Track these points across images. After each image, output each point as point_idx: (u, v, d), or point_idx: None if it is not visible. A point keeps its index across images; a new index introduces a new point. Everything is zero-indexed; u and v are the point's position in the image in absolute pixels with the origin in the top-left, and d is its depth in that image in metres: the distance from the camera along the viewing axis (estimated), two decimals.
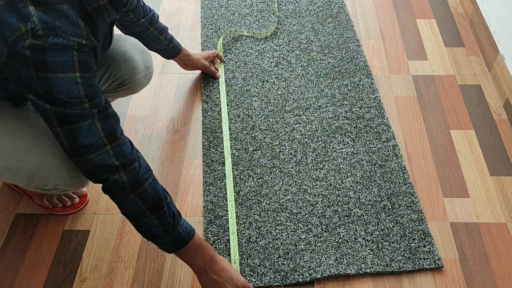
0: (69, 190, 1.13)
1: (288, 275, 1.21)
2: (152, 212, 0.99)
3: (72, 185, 1.09)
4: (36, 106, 0.89)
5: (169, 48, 1.53)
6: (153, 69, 1.38)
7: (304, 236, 1.28)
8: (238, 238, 1.29)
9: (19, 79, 0.87)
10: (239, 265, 1.23)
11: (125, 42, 1.27)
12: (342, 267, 1.22)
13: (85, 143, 0.91)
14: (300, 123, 1.56)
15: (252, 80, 1.70)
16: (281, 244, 1.27)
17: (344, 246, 1.26)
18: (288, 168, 1.44)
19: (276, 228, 1.30)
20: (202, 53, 1.69)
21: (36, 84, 0.85)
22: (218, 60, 1.75)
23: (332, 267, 1.22)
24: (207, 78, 1.71)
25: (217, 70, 1.72)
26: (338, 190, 1.38)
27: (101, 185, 0.99)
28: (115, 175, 0.95)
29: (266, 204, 1.36)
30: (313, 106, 1.60)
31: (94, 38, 0.93)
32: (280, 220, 1.32)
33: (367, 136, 1.51)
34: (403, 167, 1.43)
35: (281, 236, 1.29)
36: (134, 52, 1.28)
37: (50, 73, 0.84)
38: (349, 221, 1.31)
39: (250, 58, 1.78)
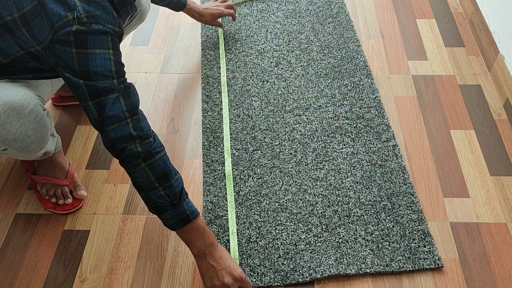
0: (19, 147, 1.12)
1: (288, 275, 1.21)
2: (160, 183, 1.06)
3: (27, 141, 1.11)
4: (71, 83, 1.01)
5: (173, 4, 1.62)
6: None
7: (304, 236, 1.28)
8: (238, 238, 1.29)
9: (58, 60, 1.01)
10: (239, 265, 1.23)
11: None
12: (342, 267, 1.22)
13: (109, 114, 1.02)
14: (300, 123, 1.56)
15: (252, 80, 1.70)
16: (281, 244, 1.27)
17: (344, 246, 1.26)
18: (288, 168, 1.44)
19: (276, 228, 1.30)
20: (212, 9, 1.74)
21: (75, 62, 0.99)
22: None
23: (332, 267, 1.22)
24: (207, 78, 1.71)
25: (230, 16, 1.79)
26: (338, 190, 1.38)
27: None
28: (132, 144, 1.04)
29: (266, 204, 1.36)
30: (313, 106, 1.60)
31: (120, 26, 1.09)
32: (280, 220, 1.32)
33: (367, 136, 1.51)
34: (403, 167, 1.43)
35: (281, 236, 1.29)
36: None
37: (90, 49, 0.99)
38: (349, 221, 1.31)
39: (250, 58, 1.78)
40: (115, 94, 1.03)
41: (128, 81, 1.07)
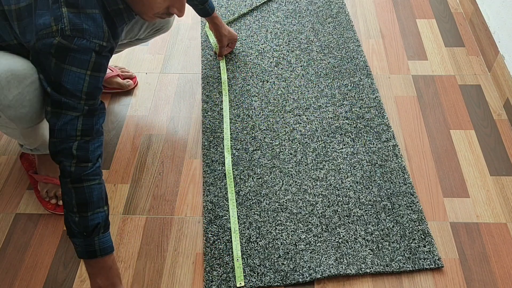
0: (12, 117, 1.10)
1: (288, 275, 1.21)
2: (78, 210, 1.03)
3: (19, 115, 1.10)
4: (42, 85, 1.03)
5: (199, 7, 1.61)
6: None
7: (304, 236, 1.28)
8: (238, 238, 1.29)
9: (39, 62, 1.01)
10: (242, 264, 1.23)
11: None
12: (342, 267, 1.22)
13: (60, 128, 1.01)
14: (300, 123, 1.56)
15: (252, 80, 1.70)
16: (281, 244, 1.27)
17: (344, 246, 1.26)
18: (288, 168, 1.44)
19: (276, 228, 1.30)
20: (230, 32, 1.74)
21: (51, 70, 0.98)
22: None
23: (332, 267, 1.22)
24: (207, 78, 1.71)
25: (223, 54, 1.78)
26: (338, 190, 1.38)
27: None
28: (67, 161, 1.02)
29: (266, 204, 1.36)
30: (313, 106, 1.60)
31: (114, 38, 1.07)
32: (280, 220, 1.32)
33: (367, 136, 1.51)
34: (403, 167, 1.43)
35: (281, 236, 1.29)
36: None
37: (67, 65, 0.98)
38: (349, 221, 1.31)
39: (250, 58, 1.78)
40: (76, 113, 1.01)
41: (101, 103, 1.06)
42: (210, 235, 1.29)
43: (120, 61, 1.79)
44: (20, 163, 1.46)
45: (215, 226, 1.31)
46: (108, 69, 1.66)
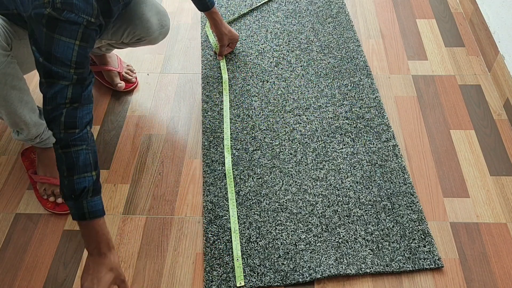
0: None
1: (288, 275, 1.21)
2: (67, 174, 1.08)
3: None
4: (34, 57, 1.06)
5: (197, 1, 1.61)
6: (168, 26, 1.52)
7: (304, 236, 1.28)
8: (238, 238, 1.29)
9: (32, 32, 1.05)
10: (241, 265, 1.23)
11: (143, 4, 1.43)
12: (342, 267, 1.22)
13: (51, 96, 1.06)
14: (300, 123, 1.56)
15: (252, 80, 1.70)
16: (281, 244, 1.27)
17: (344, 246, 1.26)
18: (288, 168, 1.44)
19: (276, 228, 1.30)
20: (231, 32, 1.73)
21: (43, 41, 1.03)
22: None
23: (332, 267, 1.22)
24: (207, 78, 1.71)
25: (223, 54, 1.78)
26: (338, 190, 1.38)
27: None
28: (56, 129, 1.07)
29: (266, 204, 1.36)
30: (313, 106, 1.60)
31: (107, 17, 1.13)
32: (280, 220, 1.32)
33: (367, 136, 1.51)
34: (403, 167, 1.43)
35: (281, 236, 1.29)
36: (150, 14, 1.43)
37: (57, 34, 1.02)
38: (349, 221, 1.31)
39: (250, 58, 1.78)
40: (66, 82, 1.05)
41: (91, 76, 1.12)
42: (210, 235, 1.29)
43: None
44: (21, 161, 1.46)
45: (215, 226, 1.31)
46: (116, 62, 1.68)
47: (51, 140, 1.35)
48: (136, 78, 1.71)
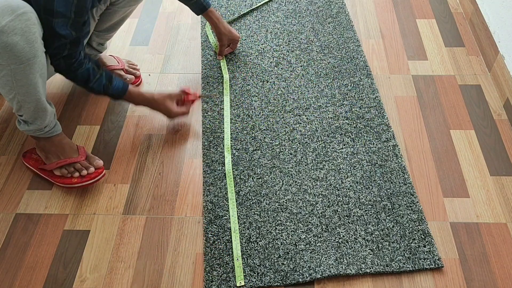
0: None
1: (288, 275, 1.21)
2: (85, 86, 1.39)
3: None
4: (38, 15, 1.19)
5: (192, 4, 1.65)
6: None
7: (304, 236, 1.28)
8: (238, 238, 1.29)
9: None
10: (241, 265, 1.23)
11: None
12: (342, 267, 1.22)
13: (54, 50, 1.27)
14: (300, 123, 1.56)
15: (252, 80, 1.70)
16: (281, 244, 1.27)
17: (344, 246, 1.26)
18: (288, 168, 1.44)
19: (276, 228, 1.30)
20: (230, 32, 1.74)
21: (43, 0, 1.17)
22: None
23: (332, 267, 1.22)
24: (207, 78, 1.71)
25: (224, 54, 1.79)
26: (338, 190, 1.38)
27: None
28: (57, 61, 1.30)
29: (266, 204, 1.36)
30: (313, 106, 1.60)
31: None
32: (280, 220, 1.32)
33: (367, 136, 1.51)
34: (403, 167, 1.43)
35: (281, 236, 1.29)
36: None
37: None
38: (349, 221, 1.31)
39: (250, 58, 1.78)
40: (65, 40, 1.23)
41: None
42: (210, 235, 1.29)
43: None
44: (23, 163, 1.46)
45: (215, 226, 1.31)
46: (115, 60, 1.70)
47: (57, 128, 1.38)
48: (139, 71, 1.73)
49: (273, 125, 1.56)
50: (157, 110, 1.52)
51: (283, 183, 1.40)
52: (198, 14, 1.68)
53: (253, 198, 1.37)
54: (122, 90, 1.42)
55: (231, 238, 1.29)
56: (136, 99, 1.48)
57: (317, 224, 1.31)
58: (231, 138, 1.52)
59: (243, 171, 1.43)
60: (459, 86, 1.68)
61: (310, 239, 1.28)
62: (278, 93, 1.65)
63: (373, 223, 1.30)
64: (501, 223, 1.31)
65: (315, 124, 1.55)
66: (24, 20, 1.13)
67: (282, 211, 1.34)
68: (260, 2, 2.00)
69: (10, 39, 1.13)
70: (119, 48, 1.85)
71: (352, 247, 1.26)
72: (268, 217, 1.33)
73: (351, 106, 1.60)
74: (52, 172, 1.40)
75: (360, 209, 1.34)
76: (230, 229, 1.30)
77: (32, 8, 1.16)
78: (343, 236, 1.28)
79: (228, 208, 1.35)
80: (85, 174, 1.38)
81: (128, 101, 1.48)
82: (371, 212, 1.33)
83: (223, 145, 1.50)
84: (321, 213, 1.33)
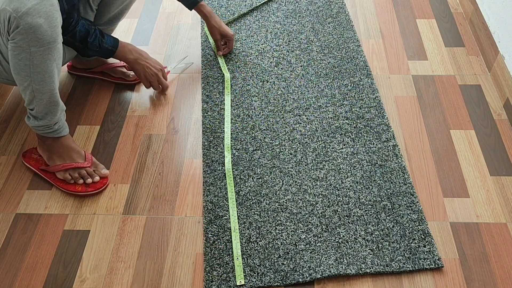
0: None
1: (288, 275, 1.21)
2: (83, 44, 1.44)
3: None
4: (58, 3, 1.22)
5: None
6: None
7: (304, 236, 1.28)
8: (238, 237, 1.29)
9: None
10: (241, 264, 1.23)
11: None
12: (342, 267, 1.22)
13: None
14: (300, 123, 1.56)
15: (252, 80, 1.70)
16: (281, 244, 1.27)
17: (344, 246, 1.26)
18: (288, 168, 1.44)
19: (276, 228, 1.30)
20: (221, 26, 1.74)
21: None
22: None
23: (332, 267, 1.22)
24: (207, 78, 1.71)
25: (223, 50, 1.79)
26: (338, 190, 1.38)
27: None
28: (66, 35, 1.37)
29: (266, 204, 1.36)
30: (313, 106, 1.60)
31: None
32: (280, 220, 1.32)
33: (367, 136, 1.51)
34: (403, 167, 1.43)
35: (281, 236, 1.29)
36: None
37: None
38: (349, 221, 1.31)
39: (250, 58, 1.78)
40: None
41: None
42: (210, 235, 1.29)
43: None
44: (23, 163, 1.46)
45: (215, 226, 1.31)
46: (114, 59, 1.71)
47: (66, 128, 1.38)
48: None
49: (273, 125, 1.56)
50: (140, 68, 1.58)
51: (283, 183, 1.40)
52: (190, 9, 1.70)
53: (253, 198, 1.37)
54: (114, 41, 1.51)
55: (231, 238, 1.29)
56: (127, 50, 1.55)
57: (317, 224, 1.31)
58: (231, 138, 1.52)
59: (243, 171, 1.43)
60: (459, 86, 1.68)
61: (310, 239, 1.28)
62: (278, 93, 1.65)
63: (373, 223, 1.30)
64: (501, 223, 1.31)
65: (315, 124, 1.55)
66: (48, 5, 1.18)
67: (282, 211, 1.34)
68: (260, 2, 2.00)
69: (34, 21, 1.16)
70: None
71: (352, 247, 1.26)
72: (268, 217, 1.33)
73: (351, 106, 1.60)
74: (54, 174, 1.40)
75: (360, 209, 1.34)
76: (230, 229, 1.30)
77: None
78: (343, 236, 1.28)
79: (228, 208, 1.35)
80: (90, 182, 1.38)
81: (118, 57, 1.55)
82: (371, 212, 1.33)
83: (223, 145, 1.50)
84: (321, 213, 1.33)
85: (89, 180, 1.38)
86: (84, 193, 1.37)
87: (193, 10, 1.71)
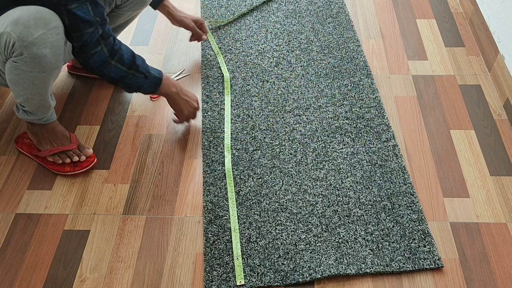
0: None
1: (288, 275, 1.21)
2: (130, 67, 1.32)
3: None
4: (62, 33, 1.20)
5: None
6: None
7: (304, 236, 1.28)
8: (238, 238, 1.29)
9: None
10: (241, 264, 1.23)
11: None
12: (342, 267, 1.22)
13: (83, 19, 1.21)
14: (300, 123, 1.56)
15: (252, 80, 1.70)
16: (281, 244, 1.27)
17: (344, 246, 1.26)
18: (288, 168, 1.44)
19: (276, 228, 1.30)
20: (189, 14, 1.74)
21: (65, 16, 1.18)
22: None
23: (332, 267, 1.22)
24: (207, 78, 1.71)
25: (204, 34, 1.77)
26: (338, 190, 1.38)
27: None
28: (99, 48, 1.27)
29: (266, 204, 1.36)
30: (313, 106, 1.60)
31: None
32: (280, 220, 1.32)
33: (367, 136, 1.51)
34: (403, 167, 1.43)
35: (281, 236, 1.29)
36: None
37: (70, 6, 1.17)
38: (349, 221, 1.31)
39: (250, 58, 1.78)
40: (92, 28, 1.23)
41: None
42: (210, 235, 1.29)
43: None
44: (17, 149, 1.49)
45: (215, 226, 1.31)
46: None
47: (53, 116, 1.41)
48: None
49: (273, 125, 1.56)
50: (183, 104, 1.48)
51: (283, 183, 1.40)
52: (154, 8, 1.68)
53: (253, 198, 1.37)
54: (159, 71, 1.41)
55: (231, 238, 1.29)
56: (170, 82, 1.44)
57: (317, 224, 1.31)
58: (231, 138, 1.52)
59: (243, 171, 1.43)
60: (459, 86, 1.68)
61: (310, 239, 1.28)
62: (278, 93, 1.65)
63: (373, 223, 1.30)
64: (501, 223, 1.31)
65: (315, 124, 1.55)
66: (55, 34, 1.19)
67: (282, 211, 1.34)
68: (260, 2, 2.00)
69: (40, 51, 1.17)
70: None
71: (352, 247, 1.26)
72: (268, 217, 1.33)
73: (351, 106, 1.60)
74: (46, 158, 1.45)
75: (360, 209, 1.34)
76: (230, 229, 1.30)
77: (61, 21, 1.21)
78: (343, 236, 1.28)
79: (228, 208, 1.35)
80: (77, 160, 1.43)
81: (164, 87, 1.43)
82: (371, 212, 1.33)
83: (223, 145, 1.50)
84: (321, 213, 1.33)
85: (76, 158, 1.43)
86: (73, 173, 1.43)
87: (156, 9, 1.69)
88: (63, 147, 1.42)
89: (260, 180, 1.41)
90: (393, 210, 1.33)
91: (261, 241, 1.28)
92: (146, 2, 1.59)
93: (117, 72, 1.31)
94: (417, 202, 1.35)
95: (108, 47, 1.28)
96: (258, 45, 1.83)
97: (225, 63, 1.76)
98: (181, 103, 1.47)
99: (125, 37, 1.90)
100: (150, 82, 1.38)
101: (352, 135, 1.52)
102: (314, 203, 1.35)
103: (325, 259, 1.23)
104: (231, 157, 1.47)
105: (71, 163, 1.43)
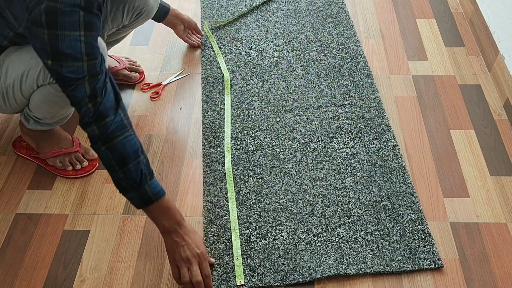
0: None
1: (288, 275, 1.21)
2: (119, 167, 1.07)
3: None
4: (44, 64, 1.04)
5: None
6: None
7: (304, 236, 1.28)
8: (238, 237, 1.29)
9: (35, 43, 1.02)
10: (241, 264, 1.23)
11: None
12: (342, 267, 1.22)
13: (73, 96, 1.05)
14: (300, 123, 1.56)
15: (252, 80, 1.70)
16: (281, 244, 1.27)
17: (344, 246, 1.26)
18: (288, 168, 1.44)
19: (276, 228, 1.30)
20: (183, 18, 1.78)
21: (47, 44, 1.00)
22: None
23: (332, 267, 1.22)
24: (207, 78, 1.71)
25: (198, 40, 1.82)
26: (338, 190, 1.38)
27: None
28: (90, 128, 1.07)
29: (266, 204, 1.36)
30: (313, 106, 1.60)
31: None
32: (280, 220, 1.32)
33: (367, 136, 1.51)
34: (403, 167, 1.43)
35: (281, 236, 1.29)
36: None
37: (59, 31, 0.99)
38: (349, 221, 1.31)
39: (250, 58, 1.78)
40: (79, 82, 1.03)
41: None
42: (210, 235, 1.29)
43: None
44: (15, 153, 1.49)
45: (215, 226, 1.31)
46: (116, 61, 1.69)
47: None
48: (140, 66, 1.75)
49: (273, 125, 1.56)
50: (166, 243, 1.17)
51: (283, 183, 1.40)
52: (159, 21, 1.71)
53: (253, 198, 1.37)
54: (161, 190, 1.14)
55: (231, 238, 1.29)
56: (170, 207, 1.15)
57: (317, 224, 1.31)
58: (231, 138, 1.52)
59: (243, 171, 1.43)
60: (459, 86, 1.68)
61: (310, 239, 1.28)
62: (278, 93, 1.65)
63: (373, 223, 1.30)
64: (501, 223, 1.31)
65: (315, 124, 1.55)
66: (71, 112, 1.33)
67: (282, 211, 1.34)
68: (260, 1, 2.00)
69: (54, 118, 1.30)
70: (119, 48, 1.85)
71: (352, 247, 1.26)
72: (268, 217, 1.33)
73: (351, 106, 1.60)
74: (45, 161, 1.44)
75: (360, 209, 1.34)
76: (230, 229, 1.30)
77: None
78: (343, 236, 1.28)
79: (228, 208, 1.35)
80: (79, 168, 1.42)
81: (155, 210, 1.14)
82: (371, 212, 1.33)
83: (223, 145, 1.50)
84: (321, 213, 1.33)
85: (78, 167, 1.42)
86: (75, 176, 1.42)
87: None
88: (66, 149, 1.41)
89: (260, 180, 1.41)
90: (393, 210, 1.33)
91: (261, 241, 1.28)
92: (150, 16, 1.56)
93: (104, 158, 1.09)
94: (417, 202, 1.35)
95: (102, 130, 1.08)
96: (258, 45, 1.83)
97: (225, 63, 1.76)
98: (169, 246, 1.16)
99: (127, 35, 1.89)
100: (137, 195, 1.10)
101: (352, 135, 1.52)
102: (314, 203, 1.35)
103: (325, 259, 1.23)
104: (231, 157, 1.47)
105: (73, 169, 1.42)
